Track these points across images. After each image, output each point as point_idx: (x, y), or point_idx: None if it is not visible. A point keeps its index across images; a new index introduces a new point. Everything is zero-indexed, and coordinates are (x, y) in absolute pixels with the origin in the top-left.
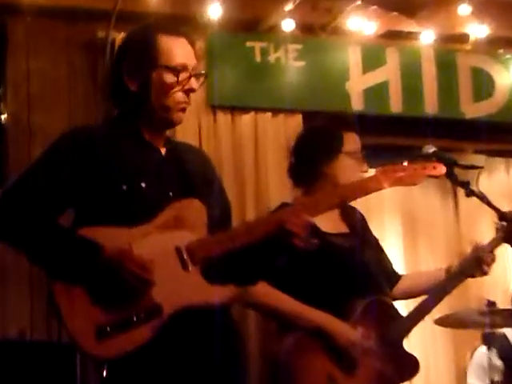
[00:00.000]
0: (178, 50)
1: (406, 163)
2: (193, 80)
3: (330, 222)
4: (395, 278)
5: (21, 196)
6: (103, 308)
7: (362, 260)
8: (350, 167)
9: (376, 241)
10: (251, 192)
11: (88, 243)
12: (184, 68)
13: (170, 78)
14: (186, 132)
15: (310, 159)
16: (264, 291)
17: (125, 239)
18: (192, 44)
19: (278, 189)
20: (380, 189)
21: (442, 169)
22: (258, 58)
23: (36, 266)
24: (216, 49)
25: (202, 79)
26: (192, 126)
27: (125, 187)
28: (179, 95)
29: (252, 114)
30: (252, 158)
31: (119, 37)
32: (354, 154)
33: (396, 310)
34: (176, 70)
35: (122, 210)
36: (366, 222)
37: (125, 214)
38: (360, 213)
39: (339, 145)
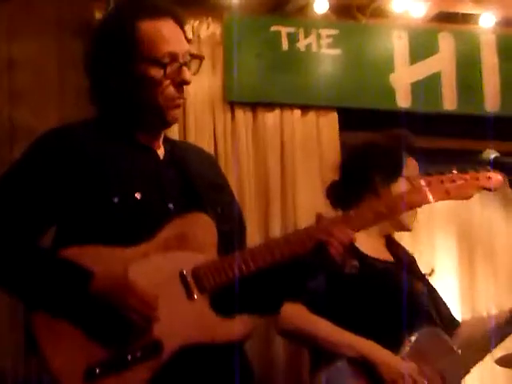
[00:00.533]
0: (163, 36)
1: (455, 171)
2: (184, 70)
3: (374, 249)
4: (453, 324)
5: None
6: (94, 345)
7: (411, 288)
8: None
9: (430, 284)
10: (276, 205)
11: (77, 269)
12: (173, 57)
13: (155, 72)
14: (198, 133)
15: (366, 177)
16: (300, 315)
17: (118, 262)
18: (180, 24)
19: (308, 201)
20: (425, 203)
21: (498, 179)
22: (285, 46)
23: (14, 297)
24: (234, 34)
25: (196, 65)
26: (206, 127)
27: (116, 199)
28: (170, 91)
29: (277, 111)
30: (277, 164)
31: None
32: (412, 180)
33: (451, 346)
34: (161, 63)
35: (114, 227)
36: (415, 261)
37: (117, 232)
38: (409, 252)
39: (401, 167)
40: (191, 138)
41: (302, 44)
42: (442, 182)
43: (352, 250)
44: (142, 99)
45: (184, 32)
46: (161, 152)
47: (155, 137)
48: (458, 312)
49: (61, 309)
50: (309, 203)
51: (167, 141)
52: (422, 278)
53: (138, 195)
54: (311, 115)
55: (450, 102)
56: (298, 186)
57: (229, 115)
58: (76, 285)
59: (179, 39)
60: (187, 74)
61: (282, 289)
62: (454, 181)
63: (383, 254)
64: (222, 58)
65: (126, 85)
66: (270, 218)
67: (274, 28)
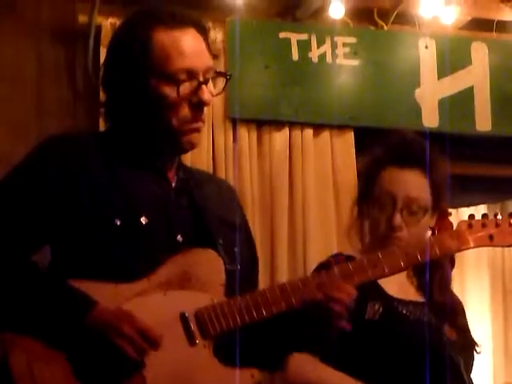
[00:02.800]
0: (180, 49)
1: (499, 215)
2: (203, 89)
3: (401, 289)
4: None
5: None
6: None
7: (440, 338)
8: (376, 211)
9: (468, 337)
10: (283, 239)
11: (78, 295)
12: (190, 74)
13: (169, 90)
14: (194, 155)
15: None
16: (312, 367)
17: (109, 301)
18: (204, 36)
19: (320, 235)
20: (464, 248)
21: None
22: (296, 55)
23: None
24: (238, 41)
25: (220, 84)
26: (203, 147)
27: (118, 222)
28: (185, 112)
29: (286, 130)
30: (285, 191)
31: (107, 23)
32: (381, 196)
33: None
34: (175, 80)
35: (113, 253)
36: (454, 305)
37: (116, 259)
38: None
39: (367, 192)
40: (186, 160)
41: (314, 53)
42: (484, 225)
43: (376, 292)
44: (153, 119)
45: (208, 45)
46: (173, 178)
47: (168, 161)
48: (490, 357)
49: (50, 332)
50: (321, 238)
51: (182, 167)
52: (459, 326)
53: (143, 220)
54: (325, 135)
55: (483, 121)
56: (308, 216)
57: (230, 134)
58: (75, 311)
59: (200, 53)
60: (206, 93)
61: (285, 342)
62: (498, 225)
63: (411, 294)
64: (223, 68)
65: (136, 102)
66: (277, 253)
67: (282, 35)
